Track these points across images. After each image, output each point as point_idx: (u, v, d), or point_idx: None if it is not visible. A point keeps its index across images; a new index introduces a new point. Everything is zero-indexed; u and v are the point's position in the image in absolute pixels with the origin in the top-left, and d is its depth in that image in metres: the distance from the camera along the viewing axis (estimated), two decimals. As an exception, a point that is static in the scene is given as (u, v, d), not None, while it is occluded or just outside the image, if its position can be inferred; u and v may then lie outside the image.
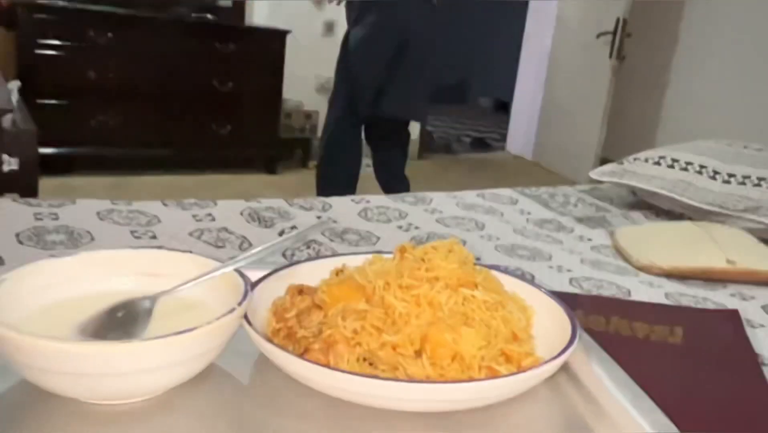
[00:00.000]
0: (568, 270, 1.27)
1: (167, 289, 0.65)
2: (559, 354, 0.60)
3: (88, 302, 0.66)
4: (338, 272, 0.75)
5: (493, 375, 0.59)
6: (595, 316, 0.80)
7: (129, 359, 0.54)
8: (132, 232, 1.25)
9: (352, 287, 0.64)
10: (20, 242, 1.17)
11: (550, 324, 0.68)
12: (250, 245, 1.26)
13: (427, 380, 0.57)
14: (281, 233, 1.31)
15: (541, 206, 1.62)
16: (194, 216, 1.35)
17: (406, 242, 0.72)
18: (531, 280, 0.75)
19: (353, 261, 0.76)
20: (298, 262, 0.75)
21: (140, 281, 0.69)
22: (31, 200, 1.34)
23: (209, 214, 1.36)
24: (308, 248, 1.28)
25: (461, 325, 0.60)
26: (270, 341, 0.60)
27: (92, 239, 1.20)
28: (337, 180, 2.94)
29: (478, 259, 1.30)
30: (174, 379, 0.58)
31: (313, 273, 0.75)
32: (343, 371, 0.56)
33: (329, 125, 2.99)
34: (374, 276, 0.65)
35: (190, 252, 0.71)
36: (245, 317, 0.61)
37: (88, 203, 1.35)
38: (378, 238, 1.35)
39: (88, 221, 1.28)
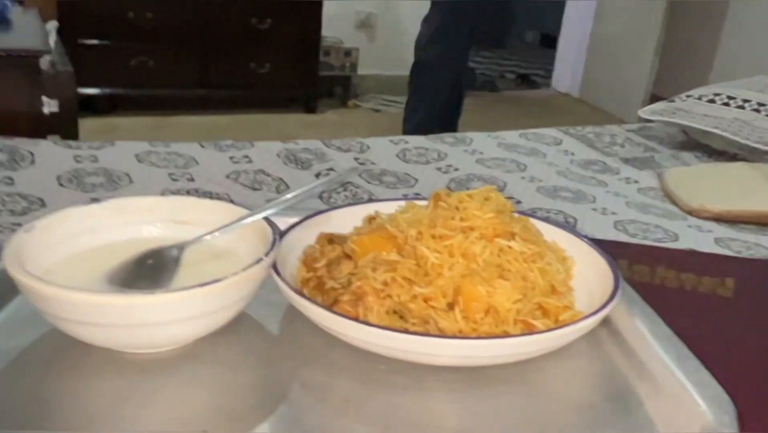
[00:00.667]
0: (613, 213, 1.23)
1: (195, 237, 0.64)
2: (600, 309, 0.57)
3: (116, 250, 0.65)
4: (370, 220, 0.73)
5: (529, 330, 0.57)
6: (640, 266, 0.76)
7: (155, 310, 0.53)
8: (170, 174, 1.24)
9: (383, 236, 0.62)
10: (61, 185, 1.17)
11: (591, 275, 0.65)
12: (287, 187, 1.24)
13: (459, 335, 0.55)
14: (318, 176, 1.30)
15: (586, 147, 1.57)
16: (231, 158, 1.34)
17: (441, 189, 0.69)
18: (572, 228, 0.72)
19: (387, 208, 0.74)
20: (329, 209, 0.73)
21: (170, 229, 0.67)
22: (71, 143, 1.34)
23: (246, 156, 1.34)
24: (345, 190, 1.26)
25: (496, 277, 0.57)
26: (298, 292, 0.58)
27: (131, 181, 1.20)
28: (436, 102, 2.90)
29: (518, 203, 1.27)
30: (202, 329, 0.57)
31: (345, 220, 0.73)
32: (372, 325, 0.54)
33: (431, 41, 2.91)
34: (406, 225, 0.62)
35: (221, 199, 0.69)
36: (274, 266, 0.60)
37: (126, 145, 1.35)
38: (416, 180, 1.32)
39: (126, 163, 1.28)
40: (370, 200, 0.75)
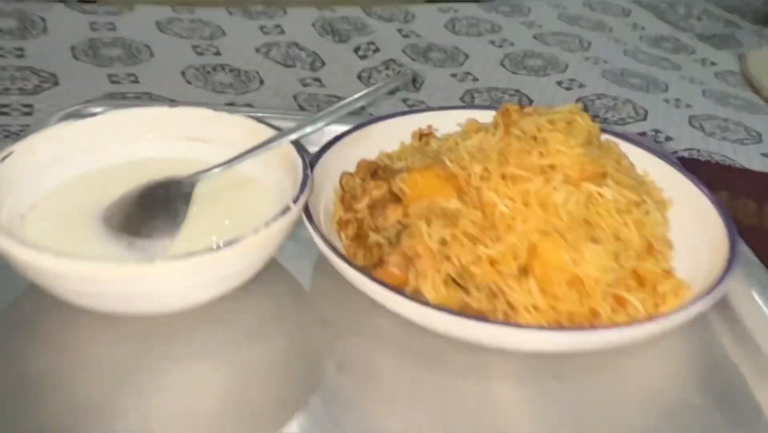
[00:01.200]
0: (688, 105, 1.05)
1: (209, 167, 0.50)
2: (713, 288, 0.43)
3: (116, 176, 0.52)
4: (421, 136, 0.58)
5: (621, 305, 0.44)
6: (746, 201, 0.61)
7: (156, 279, 0.40)
8: (194, 47, 1.09)
9: (439, 175, 0.48)
10: (75, 57, 1.03)
11: (690, 219, 0.51)
12: (323, 64, 1.08)
13: (536, 325, 0.43)
14: (357, 51, 1.13)
15: (657, 19, 1.35)
16: (261, 28, 1.17)
17: (511, 104, 0.54)
18: (672, 159, 0.56)
19: (442, 119, 0.59)
20: (371, 120, 0.58)
21: (179, 147, 0.54)
22: (87, 6, 1.18)
23: (278, 26, 1.17)
24: (387, 68, 1.10)
25: (584, 240, 0.44)
26: (337, 251, 0.45)
27: (151, 54, 1.05)
28: None
29: (581, 86, 1.10)
30: (215, 293, 0.45)
31: (390, 135, 0.59)
32: (425, 305, 0.42)
33: None
34: (469, 159, 0.48)
35: (240, 114, 0.55)
36: (306, 211, 0.47)
37: (147, 11, 1.18)
38: (466, 56, 1.15)
39: (146, 32, 1.12)
40: (420, 108, 0.60)
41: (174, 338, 0.45)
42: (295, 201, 0.45)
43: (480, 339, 0.42)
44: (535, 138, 0.48)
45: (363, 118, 0.59)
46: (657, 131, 0.97)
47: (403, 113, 0.60)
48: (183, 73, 1.02)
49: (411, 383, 0.43)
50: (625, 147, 0.55)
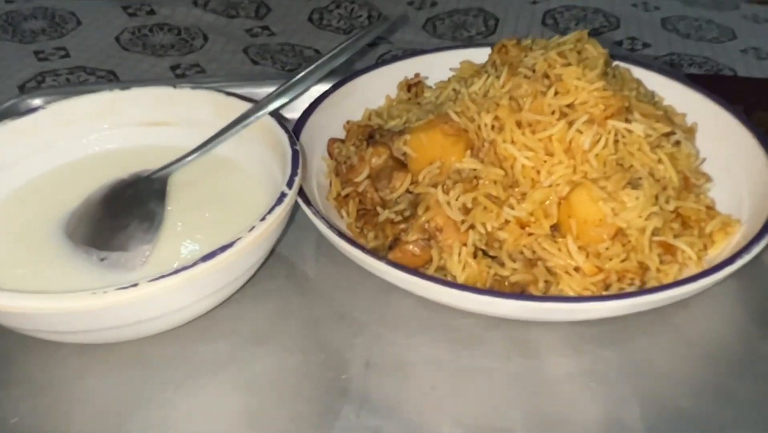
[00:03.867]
0: (656, 8, 1.00)
1: (179, 157, 0.43)
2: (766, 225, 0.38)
3: (71, 176, 0.44)
4: (410, 87, 0.52)
5: (669, 253, 0.39)
6: (763, 114, 0.56)
7: (144, 305, 0.34)
8: (125, 8, 0.98)
9: (446, 131, 0.41)
10: (-9, 36, 0.92)
11: (718, 143, 0.46)
12: (269, 10, 0.99)
13: (583, 295, 0.37)
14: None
15: None
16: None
17: (507, 39, 0.48)
18: (685, 78, 0.51)
19: (429, 64, 0.52)
20: (350, 76, 0.51)
21: (141, 135, 0.46)
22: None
23: (213, -26, 1.07)
24: (338, 7, 1.01)
25: (621, 185, 0.39)
26: (348, 238, 0.39)
27: (78, 23, 0.94)
28: None
29: (560, 15, 1.02)
30: (211, 305, 0.39)
31: (374, 89, 0.52)
32: (457, 287, 0.36)
33: None
34: (476, 109, 0.42)
35: (204, 89, 0.47)
36: (301, 193, 0.40)
37: (65, -27, 1.06)
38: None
39: (68, -4, 1.01)
40: (404, 55, 0.53)
41: (173, 359, 0.39)
42: (289, 185, 0.38)
43: (524, 316, 0.37)
44: (546, 75, 0.42)
45: (340, 74, 0.51)
46: (633, 38, 0.92)
47: (384, 63, 0.52)
48: (117, 39, 0.92)
49: (451, 372, 0.38)
50: (636, 71, 0.49)
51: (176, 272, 0.33)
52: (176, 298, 0.35)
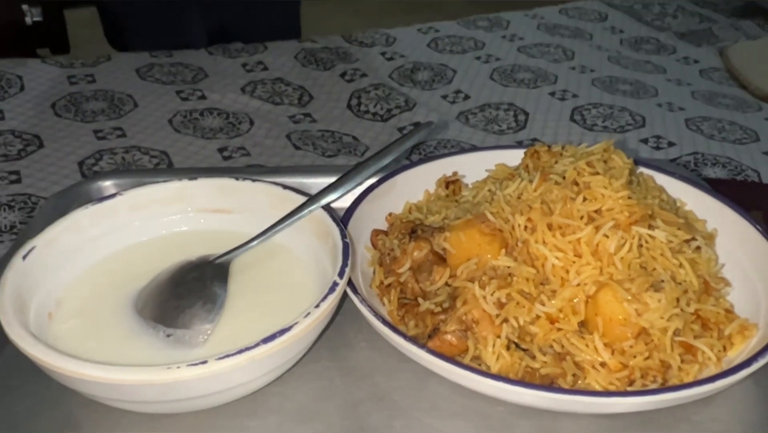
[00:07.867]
0: (680, 108, 1.05)
1: (242, 244, 0.47)
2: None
3: (141, 254, 0.49)
4: (448, 184, 0.56)
5: (690, 353, 0.42)
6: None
7: (206, 381, 0.37)
8: (178, 93, 1.05)
9: (483, 231, 0.45)
10: (57, 114, 0.99)
11: (736, 248, 0.50)
12: (311, 98, 1.06)
13: (608, 390, 0.40)
14: (343, 75, 1.11)
15: (634, 21, 1.35)
16: (244, 65, 1.14)
17: (539, 145, 0.52)
18: (705, 185, 0.55)
19: (466, 163, 0.57)
20: (391, 173, 0.56)
21: (205, 220, 0.51)
22: (62, 59, 1.13)
23: (260, 63, 1.14)
24: (376, 89, 1.07)
25: (645, 288, 0.42)
26: (392, 326, 0.42)
27: (135, 105, 1.01)
28: None
29: (574, 96, 1.08)
30: (268, 380, 0.42)
31: (414, 184, 0.56)
32: (488, 376, 0.39)
33: None
34: (510, 210, 0.46)
35: (262, 182, 0.51)
36: (350, 286, 0.44)
37: (124, 59, 1.14)
38: (454, 72, 1.14)
39: (127, 80, 1.08)
40: (442, 155, 0.58)
41: (226, 430, 0.42)
42: (340, 275, 0.42)
43: (552, 407, 0.40)
44: (576, 182, 0.46)
45: (383, 169, 0.56)
46: (659, 137, 0.96)
47: (425, 160, 0.57)
48: (170, 122, 0.98)
49: (482, 458, 0.41)
50: (658, 177, 0.53)
51: (240, 351, 0.37)
52: (238, 375, 0.38)
